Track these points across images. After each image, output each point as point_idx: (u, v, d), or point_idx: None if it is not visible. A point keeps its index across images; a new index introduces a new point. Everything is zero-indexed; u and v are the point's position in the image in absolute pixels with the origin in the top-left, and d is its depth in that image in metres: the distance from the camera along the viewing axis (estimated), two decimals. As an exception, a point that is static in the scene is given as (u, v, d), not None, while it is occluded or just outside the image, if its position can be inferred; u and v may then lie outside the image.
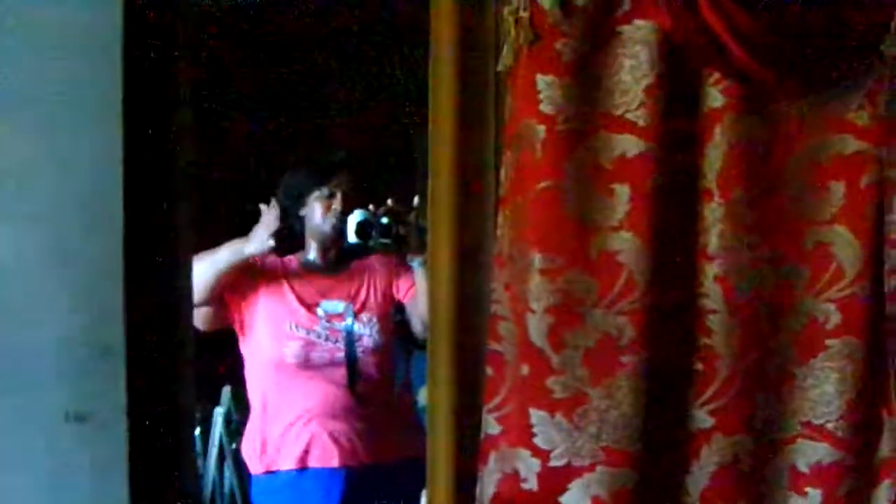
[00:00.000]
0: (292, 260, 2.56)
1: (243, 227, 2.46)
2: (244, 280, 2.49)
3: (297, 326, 2.46)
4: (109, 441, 1.45)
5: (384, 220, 2.41)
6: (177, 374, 1.57)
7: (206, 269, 2.37)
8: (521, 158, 1.50)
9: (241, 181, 3.25)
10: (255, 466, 2.54)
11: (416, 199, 2.38)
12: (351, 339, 2.46)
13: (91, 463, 1.44)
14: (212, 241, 2.42)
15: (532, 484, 1.51)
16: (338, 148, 2.75)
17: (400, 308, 2.55)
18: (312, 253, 2.56)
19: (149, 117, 1.46)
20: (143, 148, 1.49)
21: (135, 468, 1.47)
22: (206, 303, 2.43)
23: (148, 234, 1.48)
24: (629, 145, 1.49)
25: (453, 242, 1.62)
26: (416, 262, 2.40)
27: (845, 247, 1.56)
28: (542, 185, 1.48)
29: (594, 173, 1.50)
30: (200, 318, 2.43)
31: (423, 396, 2.30)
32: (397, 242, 2.42)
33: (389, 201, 2.43)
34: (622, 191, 1.49)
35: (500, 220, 1.53)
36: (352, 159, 2.63)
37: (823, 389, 1.57)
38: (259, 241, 2.41)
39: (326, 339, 2.47)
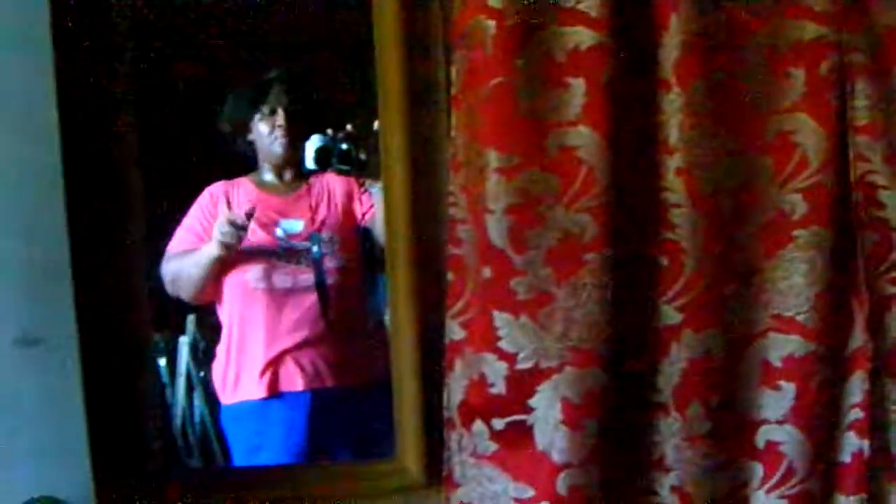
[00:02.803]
0: (244, 182, 2.52)
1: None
2: None
3: (257, 250, 2.43)
4: (61, 366, 1.41)
5: (343, 145, 2.36)
6: (130, 296, 1.53)
7: (191, 274, 2.41)
8: (472, 56, 1.46)
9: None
10: (225, 396, 2.52)
11: (376, 124, 2.33)
12: (319, 263, 2.43)
13: (45, 388, 1.40)
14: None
15: (500, 388, 1.48)
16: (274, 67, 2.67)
17: (366, 235, 2.51)
18: (266, 173, 2.52)
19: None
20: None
21: (91, 394, 1.43)
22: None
23: (90, 146, 1.45)
24: (582, 37, 1.45)
25: (405, 152, 1.59)
26: (375, 188, 2.35)
27: (809, 134, 1.52)
28: (495, 81, 1.44)
29: (547, 68, 1.45)
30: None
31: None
32: (358, 168, 2.38)
33: (349, 126, 2.38)
34: (577, 84, 1.45)
35: (453, 121, 1.49)
36: (287, 75, 2.57)
37: (793, 281, 1.54)
38: (220, 238, 2.38)
39: (287, 260, 2.43)
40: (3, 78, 1.34)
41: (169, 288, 2.44)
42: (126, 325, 1.52)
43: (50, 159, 1.36)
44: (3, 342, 1.36)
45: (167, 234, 2.49)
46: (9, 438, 1.37)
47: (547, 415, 1.48)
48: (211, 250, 2.40)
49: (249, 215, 2.37)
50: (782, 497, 1.58)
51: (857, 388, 1.58)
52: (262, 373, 2.45)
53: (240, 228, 2.36)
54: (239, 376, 2.47)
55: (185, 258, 2.42)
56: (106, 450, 1.44)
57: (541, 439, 1.49)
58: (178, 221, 2.53)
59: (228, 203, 2.44)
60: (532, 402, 1.49)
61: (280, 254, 2.44)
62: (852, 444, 1.59)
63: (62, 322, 1.38)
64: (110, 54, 1.50)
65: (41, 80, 1.35)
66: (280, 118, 2.46)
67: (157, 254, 2.44)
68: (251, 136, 2.51)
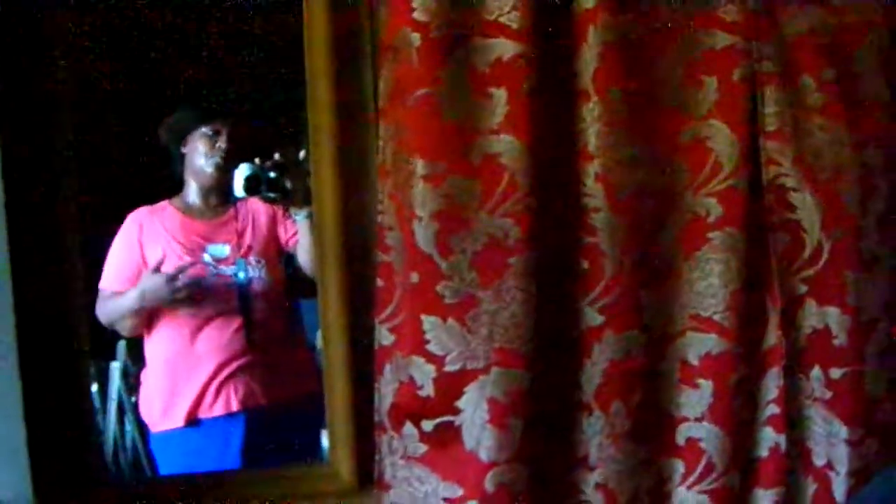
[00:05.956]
0: (167, 207, 2.53)
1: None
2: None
3: (185, 276, 2.44)
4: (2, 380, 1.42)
5: (272, 174, 2.41)
6: (68, 312, 1.54)
7: (124, 323, 2.45)
8: (398, 68, 1.50)
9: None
10: (154, 424, 2.51)
11: (302, 153, 2.36)
12: (243, 287, 2.45)
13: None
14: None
15: (428, 390, 1.52)
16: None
17: (289, 260, 2.54)
18: (192, 196, 2.53)
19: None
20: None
21: (32, 410, 1.44)
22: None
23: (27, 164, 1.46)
24: (504, 49, 1.49)
25: (335, 166, 1.63)
26: (300, 216, 2.39)
27: (722, 140, 1.59)
28: (420, 92, 1.48)
29: (471, 78, 1.50)
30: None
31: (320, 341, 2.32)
32: (283, 196, 2.42)
33: (277, 155, 2.42)
34: (499, 94, 1.50)
35: (381, 131, 1.53)
36: (237, 104, 2.61)
37: (709, 282, 1.60)
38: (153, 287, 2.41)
39: (214, 285, 2.45)
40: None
41: (106, 325, 2.46)
42: (64, 339, 1.53)
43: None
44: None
45: (103, 251, 2.49)
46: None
47: (474, 415, 1.52)
48: (132, 304, 2.44)
49: (157, 268, 2.42)
50: (703, 492, 1.63)
51: (772, 384, 1.64)
52: (193, 398, 2.45)
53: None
54: (168, 403, 2.47)
55: (115, 304, 2.45)
56: (46, 457, 1.45)
57: (469, 439, 1.53)
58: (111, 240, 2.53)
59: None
60: (460, 403, 1.52)
61: (208, 279, 2.45)
62: (769, 439, 1.65)
63: (2, 331, 1.39)
64: (48, 70, 1.52)
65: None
66: (223, 140, 2.48)
67: (93, 278, 2.44)
68: (185, 150, 2.51)
